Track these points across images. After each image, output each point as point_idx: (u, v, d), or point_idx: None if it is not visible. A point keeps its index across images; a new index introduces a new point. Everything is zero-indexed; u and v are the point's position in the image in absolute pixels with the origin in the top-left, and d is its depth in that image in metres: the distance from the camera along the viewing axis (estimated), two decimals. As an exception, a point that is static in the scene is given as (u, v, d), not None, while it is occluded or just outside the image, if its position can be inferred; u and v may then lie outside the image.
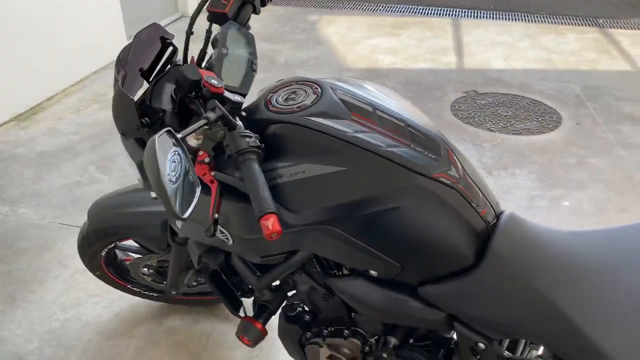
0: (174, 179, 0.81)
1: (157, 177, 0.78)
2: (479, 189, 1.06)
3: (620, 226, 1.06)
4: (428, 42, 4.79)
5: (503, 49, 4.64)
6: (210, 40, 1.16)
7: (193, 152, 1.05)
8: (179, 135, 0.86)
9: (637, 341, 0.88)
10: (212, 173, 1.00)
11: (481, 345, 1.07)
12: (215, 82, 1.01)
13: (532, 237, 1.04)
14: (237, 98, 1.05)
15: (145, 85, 1.20)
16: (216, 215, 0.97)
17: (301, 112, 1.04)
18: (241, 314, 1.43)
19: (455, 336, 1.25)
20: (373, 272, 1.08)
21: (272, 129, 1.03)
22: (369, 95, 1.09)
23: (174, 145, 0.84)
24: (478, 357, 1.12)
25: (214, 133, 1.00)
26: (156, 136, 0.80)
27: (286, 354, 1.47)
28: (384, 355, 1.24)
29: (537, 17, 5.46)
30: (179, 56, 1.26)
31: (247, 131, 0.98)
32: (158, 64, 1.24)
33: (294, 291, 1.34)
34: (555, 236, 1.05)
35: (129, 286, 1.95)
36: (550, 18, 5.43)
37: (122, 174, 2.89)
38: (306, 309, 1.39)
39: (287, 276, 1.26)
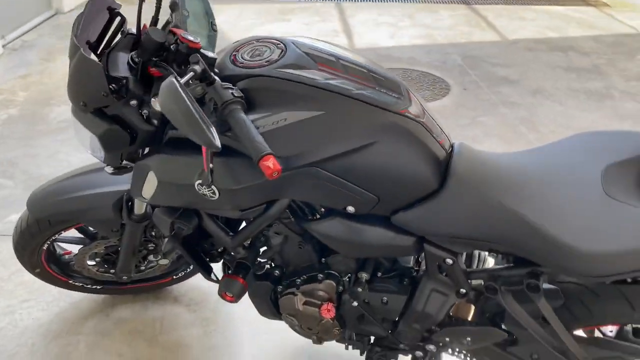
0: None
1: (187, 108, 0.82)
2: (434, 122, 1.20)
3: (552, 142, 1.27)
4: (318, 26, 4.96)
5: (387, 28, 4.94)
6: (169, 4, 1.18)
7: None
8: (182, 81, 0.89)
9: (581, 225, 1.07)
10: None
11: (448, 260, 1.22)
12: (192, 38, 1.04)
13: (483, 160, 1.20)
14: (211, 54, 1.09)
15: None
16: (210, 165, 1.00)
17: (271, 66, 1.10)
18: (213, 277, 1.46)
19: (416, 264, 1.40)
20: (350, 209, 1.17)
21: (245, 83, 1.09)
22: (328, 48, 1.18)
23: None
24: (444, 274, 1.26)
25: (192, 89, 1.03)
26: (170, 77, 0.83)
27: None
28: (359, 289, 1.35)
29: (411, -2, 5.87)
30: (127, 26, 1.26)
31: (228, 83, 1.03)
32: (106, 34, 1.23)
33: (265, 248, 1.41)
34: (502, 157, 1.23)
35: (70, 281, 1.87)
36: (423, -2, 5.86)
37: (27, 176, 2.71)
38: (274, 265, 1.46)
39: (261, 231, 1.31)
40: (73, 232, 1.74)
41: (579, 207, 1.09)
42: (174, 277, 1.98)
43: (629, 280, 1.17)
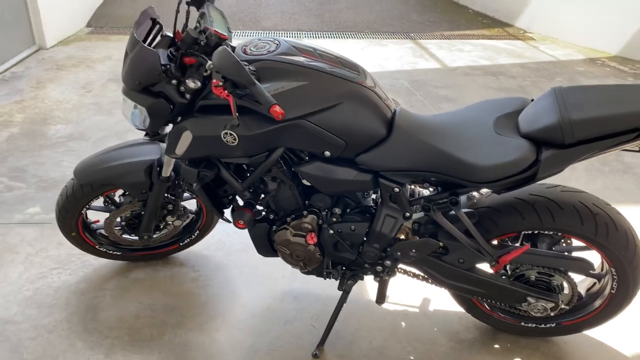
0: None
1: (236, 61, 1.33)
2: (383, 91, 1.75)
3: (467, 106, 1.83)
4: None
5: (343, 59, 5.58)
6: (199, 14, 1.70)
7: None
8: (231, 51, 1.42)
9: (479, 151, 1.61)
10: (226, 92, 1.53)
11: (396, 189, 1.74)
12: (222, 32, 1.57)
13: (416, 117, 1.75)
14: (232, 44, 1.61)
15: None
16: (237, 114, 1.50)
17: (271, 54, 1.64)
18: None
19: (374, 204, 1.92)
20: (327, 153, 1.69)
21: (254, 65, 1.61)
22: (308, 44, 1.73)
23: None
24: (394, 201, 1.78)
25: None
26: (222, 46, 1.35)
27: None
28: (334, 220, 1.85)
29: (363, 34, 6.58)
30: (165, 31, 1.78)
31: (245, 62, 1.55)
32: (150, 35, 1.74)
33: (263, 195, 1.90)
34: (429, 116, 1.79)
35: (97, 247, 2.30)
36: (373, 35, 6.58)
37: (37, 179, 3.11)
38: (270, 210, 1.94)
39: (262, 178, 1.81)
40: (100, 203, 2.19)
41: (478, 141, 1.65)
42: (180, 244, 2.42)
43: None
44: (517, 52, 6.03)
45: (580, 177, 3.25)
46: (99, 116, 3.98)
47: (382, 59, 5.61)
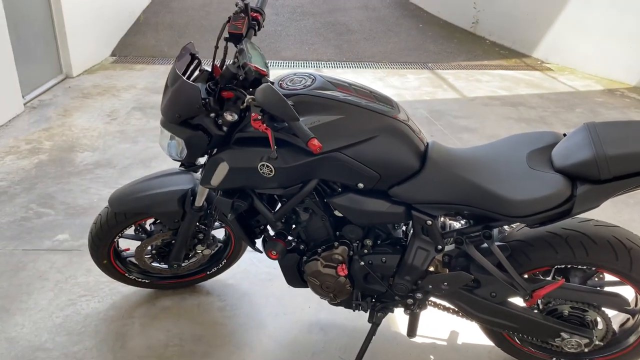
0: None
1: (284, 101, 1.37)
2: (416, 125, 1.77)
3: (498, 140, 1.84)
4: (302, 87, 5.64)
5: (362, 88, 5.66)
6: (237, 50, 1.75)
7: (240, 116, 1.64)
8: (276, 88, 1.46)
9: (512, 185, 1.62)
10: (265, 125, 1.56)
11: (429, 222, 1.75)
12: (261, 68, 1.61)
13: (449, 150, 1.77)
14: (271, 80, 1.66)
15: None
16: (275, 147, 1.53)
17: (307, 88, 1.68)
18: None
19: (405, 235, 1.93)
20: (360, 185, 1.71)
21: (292, 99, 1.64)
22: (342, 78, 1.76)
23: None
24: (426, 234, 1.79)
25: None
26: (266, 83, 1.39)
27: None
28: (365, 251, 1.86)
29: (380, 64, 6.67)
30: (203, 66, 1.83)
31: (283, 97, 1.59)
32: (189, 69, 1.80)
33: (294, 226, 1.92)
34: (462, 149, 1.81)
35: (126, 274, 2.32)
36: (391, 65, 6.67)
37: (66, 206, 3.16)
38: (300, 240, 1.96)
39: (295, 207, 1.83)
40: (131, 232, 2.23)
41: (512, 174, 1.66)
42: (207, 272, 2.44)
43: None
44: (536, 83, 6.06)
45: (605, 209, 3.22)
46: (124, 144, 4.06)
47: (401, 89, 5.68)
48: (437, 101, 5.33)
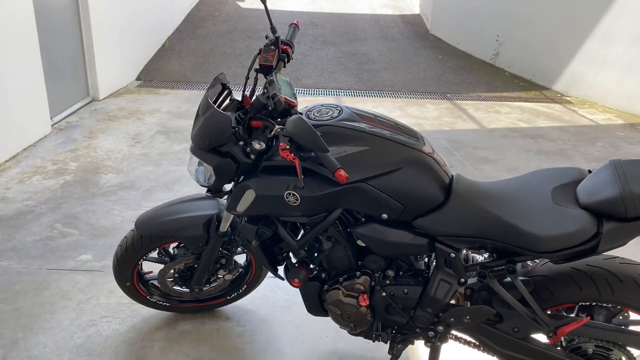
0: None
1: (314, 132, 1.40)
2: (441, 157, 1.79)
3: (522, 174, 1.86)
4: (322, 115, 5.71)
5: (382, 117, 5.71)
6: (267, 81, 1.79)
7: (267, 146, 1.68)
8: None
9: (537, 220, 1.63)
10: (292, 154, 1.60)
11: (452, 254, 1.76)
12: (290, 99, 1.65)
13: (473, 183, 1.79)
14: (300, 110, 1.70)
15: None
16: (302, 176, 1.56)
17: (334, 120, 1.71)
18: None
19: (427, 267, 1.93)
20: (384, 216, 1.73)
21: (319, 130, 1.68)
22: (368, 110, 1.80)
23: None
24: (449, 266, 1.79)
25: None
26: (297, 114, 1.43)
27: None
28: (387, 282, 1.87)
29: (400, 94, 6.74)
30: (233, 95, 1.88)
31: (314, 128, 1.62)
32: (219, 99, 1.85)
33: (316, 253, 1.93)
34: (486, 182, 1.82)
35: (148, 297, 2.34)
36: (411, 94, 6.73)
37: (89, 227, 3.22)
38: (322, 269, 1.97)
39: (319, 235, 1.85)
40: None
41: (536, 210, 1.67)
42: (227, 297, 2.45)
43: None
44: (556, 115, 6.06)
45: (629, 246, 3.20)
46: (148, 167, 4.13)
47: (421, 119, 5.71)
48: (456, 131, 5.35)
